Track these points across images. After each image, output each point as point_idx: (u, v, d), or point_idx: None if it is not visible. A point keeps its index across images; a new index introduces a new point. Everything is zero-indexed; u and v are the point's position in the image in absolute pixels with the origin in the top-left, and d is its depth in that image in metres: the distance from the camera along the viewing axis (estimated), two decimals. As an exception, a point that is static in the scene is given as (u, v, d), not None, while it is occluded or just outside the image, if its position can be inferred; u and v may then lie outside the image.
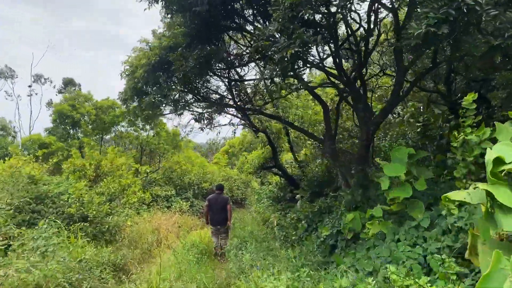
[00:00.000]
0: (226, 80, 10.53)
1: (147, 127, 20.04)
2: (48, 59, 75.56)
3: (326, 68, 8.41)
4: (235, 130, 12.64)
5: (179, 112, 10.58)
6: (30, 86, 25.81)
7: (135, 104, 10.65)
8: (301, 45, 5.69)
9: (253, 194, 27.96)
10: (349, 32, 7.84)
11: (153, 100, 9.47)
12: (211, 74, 9.73)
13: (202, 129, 11.43)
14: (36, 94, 35.97)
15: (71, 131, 20.04)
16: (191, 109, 11.61)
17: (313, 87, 8.84)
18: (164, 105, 10.18)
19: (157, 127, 20.39)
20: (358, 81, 8.56)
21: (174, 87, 9.03)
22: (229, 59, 9.19)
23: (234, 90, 10.58)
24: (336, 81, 8.74)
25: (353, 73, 8.43)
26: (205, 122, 11.23)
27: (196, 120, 11.90)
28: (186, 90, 10.03)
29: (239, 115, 12.18)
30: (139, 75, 9.08)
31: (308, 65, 7.74)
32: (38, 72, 31.01)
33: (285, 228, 10.48)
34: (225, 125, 12.21)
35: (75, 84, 23.30)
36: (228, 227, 10.40)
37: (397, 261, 4.68)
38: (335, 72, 8.37)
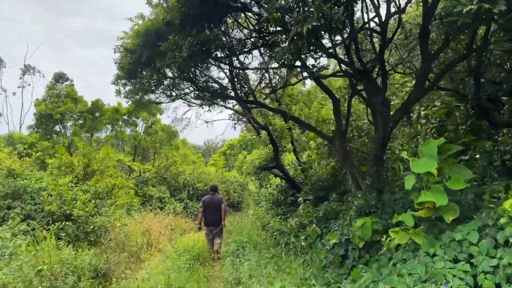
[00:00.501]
0: (227, 68, 9.62)
1: (141, 123, 19.09)
2: (47, 57, 74.53)
3: (338, 56, 7.51)
4: (235, 124, 11.72)
5: (172, 98, 9.66)
6: (21, 78, 24.64)
7: (128, 88, 9.72)
8: (320, 18, 4.78)
9: (250, 197, 27.09)
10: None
11: (145, 82, 8.54)
12: (210, 61, 8.78)
13: (206, 122, 10.56)
14: (29, 85, 34.82)
15: (58, 129, 18.95)
16: (187, 100, 10.70)
17: (324, 76, 7.91)
18: (157, 90, 9.27)
19: (149, 121, 19.39)
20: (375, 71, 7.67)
21: (168, 73, 8.07)
22: (231, 45, 8.27)
23: (236, 80, 9.64)
24: (350, 70, 7.83)
25: (370, 62, 7.50)
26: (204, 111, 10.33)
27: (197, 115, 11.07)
28: (181, 78, 9.11)
29: (240, 110, 11.28)
30: (133, 48, 8.19)
31: (319, 51, 6.84)
32: (30, 64, 29.90)
33: (287, 234, 9.54)
34: (223, 120, 11.30)
35: (67, 79, 22.18)
36: (221, 227, 10.14)
37: (436, 279, 3.75)
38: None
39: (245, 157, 20.65)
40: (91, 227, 10.14)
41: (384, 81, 6.96)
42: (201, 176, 23.76)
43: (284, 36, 6.72)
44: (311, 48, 6.63)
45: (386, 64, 7.97)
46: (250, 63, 9.91)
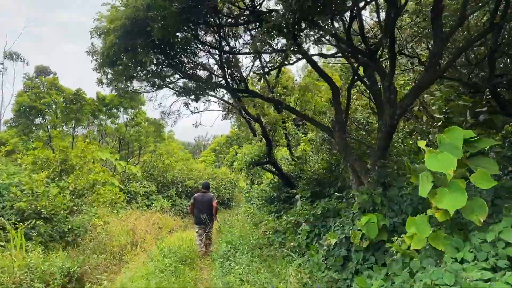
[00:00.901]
0: (217, 54, 8.80)
1: (124, 115, 18.12)
2: (31, 51, 72.71)
3: (338, 35, 6.76)
4: (225, 116, 10.93)
5: (157, 86, 8.86)
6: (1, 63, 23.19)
7: (109, 76, 8.85)
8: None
9: (241, 194, 26.37)
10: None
11: (126, 68, 7.70)
12: (197, 41, 7.96)
13: (193, 112, 9.79)
14: (6, 70, 33.17)
15: (39, 121, 17.87)
16: (174, 89, 9.89)
17: (323, 55, 7.15)
18: (139, 76, 8.43)
19: (133, 112, 18.42)
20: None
21: (151, 56, 7.22)
22: (221, 22, 7.47)
23: (226, 67, 8.84)
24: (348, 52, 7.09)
25: (377, 39, 6.74)
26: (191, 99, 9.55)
27: (186, 105, 10.27)
28: (166, 61, 8.30)
29: (230, 100, 10.50)
30: (110, 41, 7.31)
31: (316, 28, 6.10)
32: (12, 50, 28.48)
33: (281, 233, 8.81)
34: (214, 110, 10.54)
35: (50, 73, 20.98)
36: (211, 225, 9.94)
37: (471, 292, 3.03)
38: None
39: (236, 153, 19.80)
40: (69, 226, 9.33)
41: (392, 63, 6.20)
42: (191, 172, 23.03)
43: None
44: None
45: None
46: (241, 48, 9.07)
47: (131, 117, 19.17)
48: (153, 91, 10.08)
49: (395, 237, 4.87)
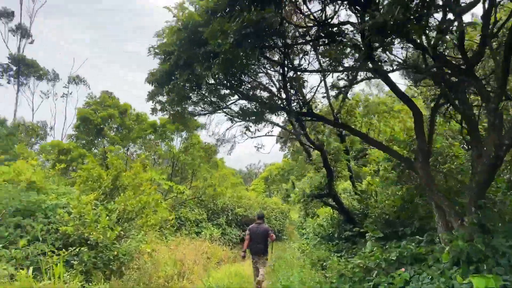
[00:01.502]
0: (278, 72, 8.02)
1: (178, 139, 17.90)
2: (92, 77, 77.79)
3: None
4: (283, 142, 10.03)
5: (213, 108, 8.22)
6: (66, 87, 24.75)
7: (162, 98, 8.37)
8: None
9: (292, 226, 25.10)
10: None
11: (180, 89, 7.11)
12: (260, 58, 7.20)
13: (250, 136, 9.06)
14: (71, 93, 35.55)
15: (95, 140, 18.13)
16: (229, 114, 9.25)
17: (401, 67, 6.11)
18: (194, 96, 7.83)
19: (189, 139, 18.14)
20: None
21: (208, 72, 6.55)
22: (286, 28, 6.66)
23: (289, 86, 7.99)
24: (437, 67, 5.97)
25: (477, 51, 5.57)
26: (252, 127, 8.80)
27: (246, 128, 9.59)
28: (224, 80, 7.65)
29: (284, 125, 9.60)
30: (169, 49, 6.81)
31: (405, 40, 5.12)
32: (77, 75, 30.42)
33: (347, 279, 7.58)
34: (271, 136, 9.76)
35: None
36: (266, 258, 9.67)
37: None
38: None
39: (293, 184, 18.62)
40: (114, 253, 8.70)
41: (504, 78, 4.99)
42: (241, 200, 22.30)
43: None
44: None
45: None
46: (306, 67, 8.22)
47: (185, 141, 18.92)
48: (208, 114, 9.49)
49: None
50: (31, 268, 6.09)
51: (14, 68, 35.62)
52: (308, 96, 9.02)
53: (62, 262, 6.49)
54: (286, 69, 8.00)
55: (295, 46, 7.81)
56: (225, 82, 7.86)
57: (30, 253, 6.73)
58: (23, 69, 35.44)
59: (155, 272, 10.06)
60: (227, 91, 8.37)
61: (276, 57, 8.52)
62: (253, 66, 7.88)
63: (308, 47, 8.10)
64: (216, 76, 7.42)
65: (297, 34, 6.96)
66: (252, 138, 9.47)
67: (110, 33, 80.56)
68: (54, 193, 9.14)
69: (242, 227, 20.15)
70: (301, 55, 7.92)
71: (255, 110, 8.45)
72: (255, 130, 10.01)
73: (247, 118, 8.55)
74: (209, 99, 8.53)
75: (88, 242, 7.83)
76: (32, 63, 35.74)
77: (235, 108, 9.20)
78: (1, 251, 6.25)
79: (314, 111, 9.14)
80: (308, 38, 6.76)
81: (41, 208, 7.96)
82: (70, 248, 7.23)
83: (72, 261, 7.12)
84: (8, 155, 16.16)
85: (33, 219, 7.61)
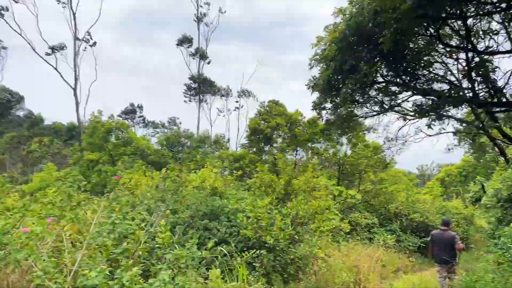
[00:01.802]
0: (457, 58, 6.93)
1: (343, 140, 17.52)
2: (259, 89, 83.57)
3: None
4: (464, 137, 8.70)
5: (383, 109, 7.63)
6: (237, 101, 27.87)
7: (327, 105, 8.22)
8: None
9: (478, 234, 21.92)
10: None
11: (348, 90, 6.78)
12: (437, 42, 6.32)
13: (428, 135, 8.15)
14: (242, 107, 39.91)
15: (265, 148, 19.23)
16: (401, 112, 8.50)
17: None
18: (361, 98, 7.42)
19: (355, 139, 17.56)
20: None
21: (376, 70, 6.05)
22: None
23: (474, 74, 6.83)
24: None
25: None
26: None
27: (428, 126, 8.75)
28: (395, 77, 7.01)
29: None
30: (330, 54, 6.55)
31: None
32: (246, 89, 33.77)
33: None
34: (448, 132, 8.63)
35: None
36: (455, 268, 9.19)
37: None
38: None
39: (482, 187, 16.07)
40: (291, 257, 8.82)
41: None
42: (415, 205, 20.52)
43: None
44: None
45: None
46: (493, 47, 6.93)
47: (354, 144, 18.48)
48: (377, 115, 8.92)
49: None
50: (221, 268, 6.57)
51: (194, 86, 41.74)
52: (500, 83, 7.63)
53: (245, 264, 6.81)
54: (469, 54, 6.88)
55: (480, 21, 6.67)
56: (395, 79, 7.26)
57: (218, 254, 7.27)
58: (203, 87, 41.16)
59: (331, 278, 9.87)
60: (398, 88, 7.73)
61: (453, 43, 7.48)
62: (426, 57, 7.05)
63: (495, 25, 6.85)
64: (386, 73, 6.91)
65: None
66: (430, 136, 8.45)
67: (269, 44, 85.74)
68: (234, 198, 9.84)
69: (419, 235, 18.55)
70: (487, 37, 6.70)
71: (433, 105, 7.55)
72: (441, 129, 8.94)
73: (426, 115, 7.68)
74: (378, 99, 8.03)
75: (266, 245, 8.10)
76: (209, 82, 41.17)
77: (406, 106, 8.45)
78: (196, 252, 6.91)
79: (509, 99, 7.69)
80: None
81: (224, 212, 8.65)
82: (251, 250, 7.57)
83: (253, 263, 7.44)
84: (194, 164, 18.49)
85: (218, 222, 8.30)
